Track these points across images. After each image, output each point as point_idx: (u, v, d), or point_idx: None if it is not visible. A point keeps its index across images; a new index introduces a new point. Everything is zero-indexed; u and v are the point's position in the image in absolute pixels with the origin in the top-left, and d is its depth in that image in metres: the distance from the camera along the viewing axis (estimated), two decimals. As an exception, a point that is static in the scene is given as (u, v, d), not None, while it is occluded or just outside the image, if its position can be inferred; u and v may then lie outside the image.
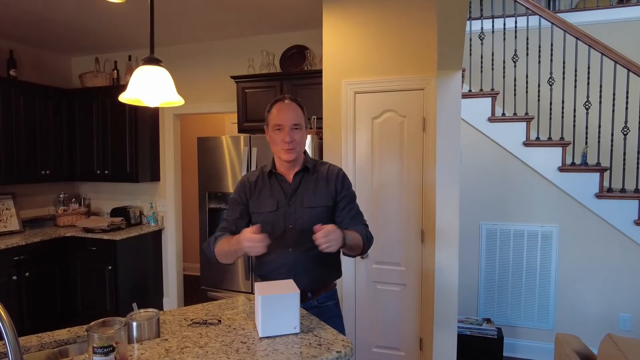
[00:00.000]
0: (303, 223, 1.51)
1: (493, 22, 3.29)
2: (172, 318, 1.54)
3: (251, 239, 1.31)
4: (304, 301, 1.52)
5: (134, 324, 1.21)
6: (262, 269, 1.61)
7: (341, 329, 1.59)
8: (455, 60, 2.03)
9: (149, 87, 1.18)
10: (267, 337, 1.24)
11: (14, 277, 3.23)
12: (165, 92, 1.22)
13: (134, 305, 1.25)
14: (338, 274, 1.70)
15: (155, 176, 4.08)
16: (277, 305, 1.23)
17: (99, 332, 0.97)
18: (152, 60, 1.24)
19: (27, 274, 3.32)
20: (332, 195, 1.56)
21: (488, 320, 2.97)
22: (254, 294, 2.96)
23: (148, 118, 3.97)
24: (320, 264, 1.55)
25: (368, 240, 1.56)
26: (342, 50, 2.68)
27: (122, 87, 3.46)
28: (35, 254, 3.42)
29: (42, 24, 3.33)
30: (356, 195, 1.67)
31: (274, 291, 1.25)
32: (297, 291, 1.26)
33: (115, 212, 3.97)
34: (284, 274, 1.52)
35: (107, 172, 3.94)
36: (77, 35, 3.65)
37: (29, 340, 1.34)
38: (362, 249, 1.53)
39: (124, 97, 1.22)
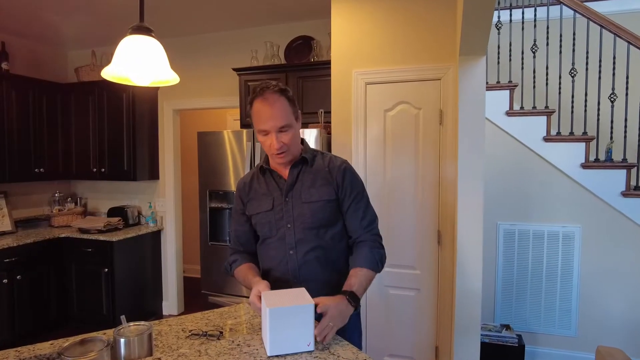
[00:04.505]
0: (304, 220, 1.34)
1: (511, 12, 3.11)
2: (169, 329, 1.39)
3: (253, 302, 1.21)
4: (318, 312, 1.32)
5: (122, 340, 1.03)
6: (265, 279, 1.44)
7: (359, 346, 1.40)
8: (480, 45, 1.86)
9: (138, 62, 0.98)
10: (277, 356, 1.07)
11: (5, 280, 3.06)
12: (157, 68, 1.02)
13: (122, 318, 1.07)
14: None
15: (154, 174, 3.91)
16: (288, 319, 1.06)
17: (74, 357, 0.80)
18: (142, 29, 1.04)
19: (19, 276, 3.15)
20: (335, 188, 1.37)
21: (507, 327, 2.79)
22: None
23: (146, 114, 3.81)
24: (331, 268, 1.36)
25: (379, 266, 1.36)
26: (352, 38, 2.51)
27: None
28: (28, 255, 3.25)
29: (35, 15, 3.16)
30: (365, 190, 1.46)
31: (285, 302, 1.07)
32: (312, 302, 1.09)
33: (112, 212, 3.81)
34: (289, 281, 1.34)
35: (103, 170, 3.77)
36: (72, 27, 3.48)
37: (6, 356, 1.18)
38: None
39: (107, 73, 1.02)
